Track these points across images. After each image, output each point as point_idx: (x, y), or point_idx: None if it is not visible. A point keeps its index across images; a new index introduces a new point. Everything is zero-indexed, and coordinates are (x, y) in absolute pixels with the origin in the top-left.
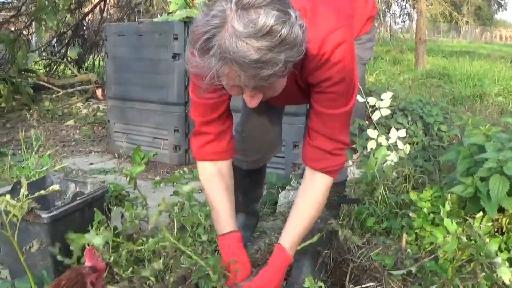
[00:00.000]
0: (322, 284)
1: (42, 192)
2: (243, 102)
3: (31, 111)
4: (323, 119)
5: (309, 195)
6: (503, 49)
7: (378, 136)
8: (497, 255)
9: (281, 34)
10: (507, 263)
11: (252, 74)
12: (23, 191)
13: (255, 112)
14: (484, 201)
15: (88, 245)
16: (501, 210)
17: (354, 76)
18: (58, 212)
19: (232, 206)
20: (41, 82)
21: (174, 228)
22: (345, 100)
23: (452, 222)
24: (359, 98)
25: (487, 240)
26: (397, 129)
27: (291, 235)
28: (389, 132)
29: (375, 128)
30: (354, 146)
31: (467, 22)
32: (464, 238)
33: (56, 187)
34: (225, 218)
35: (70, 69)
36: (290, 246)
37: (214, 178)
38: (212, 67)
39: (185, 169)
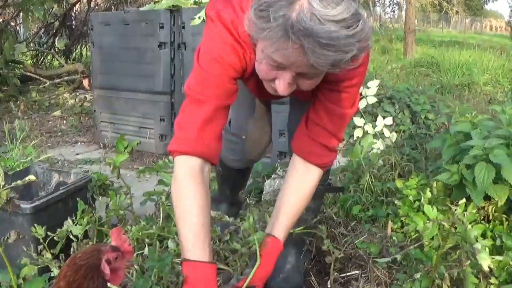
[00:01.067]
0: None
1: (19, 182)
2: (244, 104)
3: (18, 102)
4: (333, 117)
5: (303, 189)
6: (493, 39)
7: (364, 124)
8: (477, 241)
9: (358, 25)
10: (487, 250)
11: (324, 54)
12: (0, 181)
13: (257, 114)
14: (469, 189)
15: (72, 233)
16: (487, 198)
17: None
18: (40, 202)
19: (209, 224)
20: (28, 73)
21: (159, 217)
22: (355, 100)
23: (433, 209)
24: None
25: (469, 226)
26: (384, 117)
27: (284, 226)
28: (376, 120)
29: (361, 116)
30: None
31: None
32: (447, 225)
33: (32, 177)
34: (202, 238)
35: (57, 59)
36: (283, 237)
37: (199, 181)
38: (278, 38)
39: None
